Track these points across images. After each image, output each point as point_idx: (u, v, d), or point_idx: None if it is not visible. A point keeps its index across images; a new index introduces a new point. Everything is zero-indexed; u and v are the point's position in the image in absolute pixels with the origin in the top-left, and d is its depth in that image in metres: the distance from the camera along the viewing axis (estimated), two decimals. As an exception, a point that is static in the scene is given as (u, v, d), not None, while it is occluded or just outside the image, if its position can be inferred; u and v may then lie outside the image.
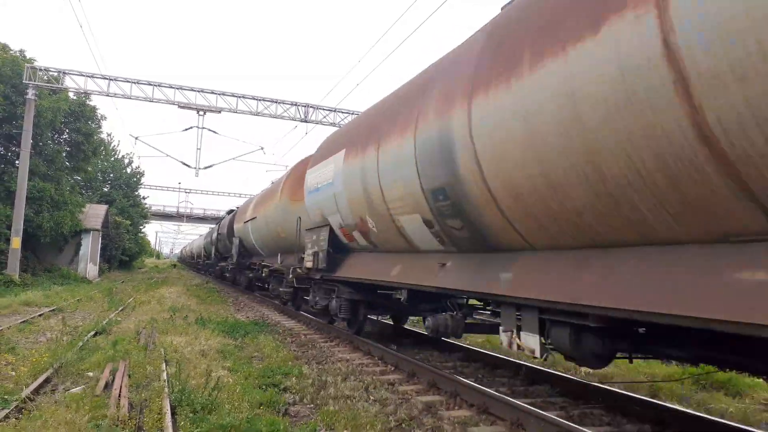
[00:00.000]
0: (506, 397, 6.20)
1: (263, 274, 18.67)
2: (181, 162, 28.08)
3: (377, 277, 8.61)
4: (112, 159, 49.54)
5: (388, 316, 13.33)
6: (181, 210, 75.35)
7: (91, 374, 7.26)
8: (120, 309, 15.75)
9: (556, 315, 4.64)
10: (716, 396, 7.39)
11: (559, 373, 7.91)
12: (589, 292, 4.01)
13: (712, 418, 5.81)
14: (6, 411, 5.46)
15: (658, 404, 6.26)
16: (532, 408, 5.67)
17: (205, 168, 28.69)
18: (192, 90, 24.30)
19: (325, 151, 10.81)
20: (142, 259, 73.74)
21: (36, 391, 6.31)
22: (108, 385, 6.60)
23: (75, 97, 27.79)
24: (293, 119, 25.79)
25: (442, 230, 6.47)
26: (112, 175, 49.32)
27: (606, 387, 6.98)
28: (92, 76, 23.34)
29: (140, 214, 53.71)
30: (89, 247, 31.68)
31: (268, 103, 25.24)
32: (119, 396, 6.02)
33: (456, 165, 5.50)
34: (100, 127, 31.24)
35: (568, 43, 3.77)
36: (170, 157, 29.50)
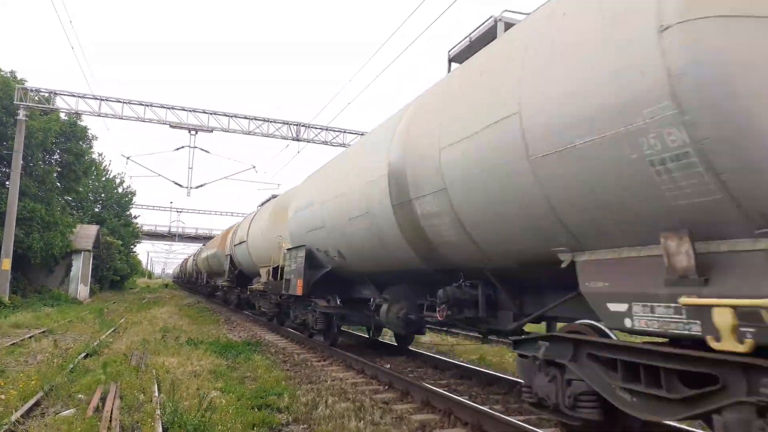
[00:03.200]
0: (500, 414, 6.19)
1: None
2: (173, 181, 27.98)
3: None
4: (104, 179, 49.29)
5: None
6: (173, 229, 75.02)
7: (81, 397, 7.19)
8: (111, 330, 15.60)
9: None
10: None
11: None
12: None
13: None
14: (-5, 435, 5.40)
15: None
16: (527, 426, 5.67)
17: (197, 187, 28.62)
18: (184, 110, 24.35)
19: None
20: (134, 279, 73.17)
21: (26, 415, 6.24)
22: (99, 408, 6.54)
23: (66, 118, 27.76)
24: (285, 138, 25.87)
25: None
26: (103, 195, 49.06)
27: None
28: (83, 97, 23.36)
29: (132, 234, 53.37)
30: (80, 267, 31.40)
31: (260, 122, 25.30)
32: (110, 418, 5.96)
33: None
34: (91, 147, 31.19)
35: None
36: (162, 177, 29.47)
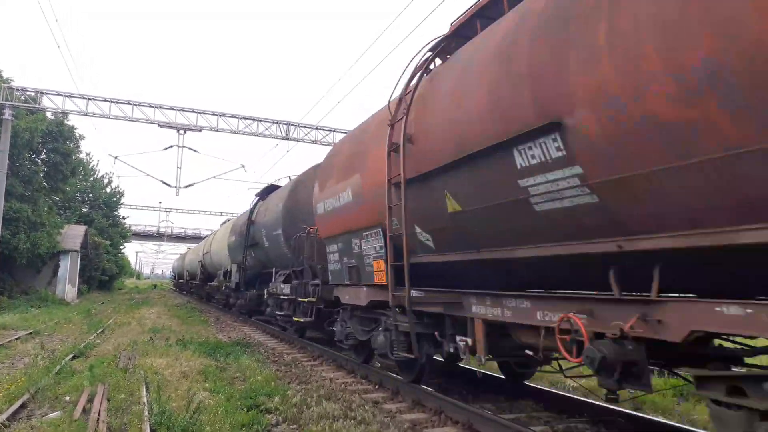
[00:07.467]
0: (490, 413, 6.19)
1: None
2: (162, 181, 27.80)
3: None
4: (91, 179, 48.86)
5: None
6: (162, 230, 74.56)
7: (68, 399, 7.11)
8: (99, 331, 15.47)
9: None
10: (699, 408, 7.43)
11: (544, 388, 7.92)
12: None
13: (696, 430, 5.84)
14: (-20, 439, 5.32)
15: (642, 417, 6.29)
16: (517, 425, 5.66)
17: (186, 187, 28.42)
18: (172, 109, 24.18)
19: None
20: (122, 280, 72.69)
21: (12, 417, 6.17)
22: (86, 410, 6.47)
23: (53, 117, 27.49)
24: (274, 137, 25.77)
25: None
26: (91, 195, 48.58)
27: (590, 401, 6.99)
28: (70, 96, 23.13)
29: (120, 234, 52.97)
30: (68, 268, 31.14)
31: (249, 122, 25.19)
32: (98, 420, 5.90)
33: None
34: (78, 147, 30.91)
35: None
36: (150, 177, 29.25)
